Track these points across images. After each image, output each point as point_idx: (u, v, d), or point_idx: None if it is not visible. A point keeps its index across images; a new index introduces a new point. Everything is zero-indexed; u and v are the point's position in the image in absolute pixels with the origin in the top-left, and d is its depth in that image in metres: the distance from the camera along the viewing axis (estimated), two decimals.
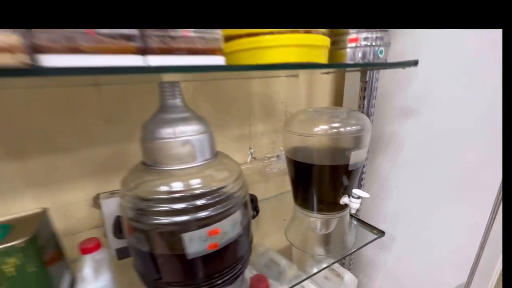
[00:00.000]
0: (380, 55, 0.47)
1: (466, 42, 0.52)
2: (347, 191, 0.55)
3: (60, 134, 0.50)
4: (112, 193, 0.55)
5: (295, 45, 0.36)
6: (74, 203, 0.55)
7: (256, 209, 0.68)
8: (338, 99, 0.87)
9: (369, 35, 0.46)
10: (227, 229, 0.36)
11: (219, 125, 0.68)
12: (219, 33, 0.29)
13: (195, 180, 0.36)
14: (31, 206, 0.50)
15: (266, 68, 0.33)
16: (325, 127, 0.51)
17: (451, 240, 0.62)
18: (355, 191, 0.52)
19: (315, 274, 0.62)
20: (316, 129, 0.51)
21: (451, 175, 0.59)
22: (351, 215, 0.73)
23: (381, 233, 0.66)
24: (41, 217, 0.34)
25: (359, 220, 0.74)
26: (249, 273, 0.59)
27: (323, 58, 0.41)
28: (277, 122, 0.78)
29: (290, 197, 0.66)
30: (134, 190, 0.37)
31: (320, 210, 0.58)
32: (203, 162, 0.38)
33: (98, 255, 0.36)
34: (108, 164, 0.56)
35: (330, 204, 0.57)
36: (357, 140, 0.51)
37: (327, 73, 0.77)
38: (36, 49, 0.21)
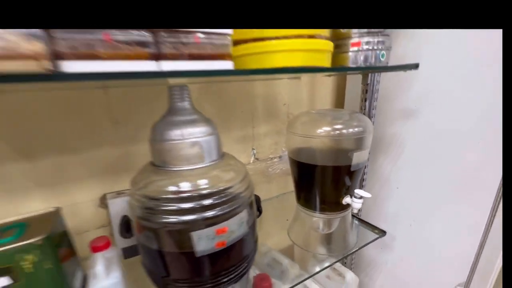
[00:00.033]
0: (382, 59, 0.48)
1: (466, 43, 0.53)
2: (349, 191, 0.56)
3: (69, 135, 0.51)
4: (119, 193, 0.56)
5: (300, 49, 0.38)
6: (81, 203, 0.56)
7: (259, 209, 0.69)
8: (339, 100, 0.88)
9: (371, 39, 0.47)
10: (234, 228, 0.38)
11: (223, 127, 0.69)
12: (228, 38, 0.30)
13: (203, 181, 0.37)
14: (40, 206, 0.51)
15: (272, 72, 0.35)
16: (328, 128, 0.52)
17: (451, 240, 0.64)
18: (357, 191, 0.53)
19: (317, 273, 0.63)
20: (319, 130, 0.52)
21: (451, 176, 0.60)
22: (352, 215, 0.74)
23: (382, 232, 0.67)
24: (55, 216, 0.36)
25: (360, 220, 0.75)
26: (252, 272, 0.60)
27: (326, 62, 0.42)
28: (279, 123, 0.79)
29: (292, 197, 0.67)
30: (144, 189, 0.38)
31: (322, 210, 0.59)
32: (210, 163, 0.39)
33: (108, 253, 0.38)
34: (114, 165, 0.57)
35: (333, 204, 0.58)
36: (359, 142, 0.52)
37: (329, 75, 0.79)
38: (58, 56, 0.22)
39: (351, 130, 0.51)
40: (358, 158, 0.52)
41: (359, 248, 0.64)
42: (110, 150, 0.56)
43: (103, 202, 0.58)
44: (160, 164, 0.38)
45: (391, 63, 0.53)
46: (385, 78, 0.66)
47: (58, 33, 0.22)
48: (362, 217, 0.77)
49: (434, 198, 0.64)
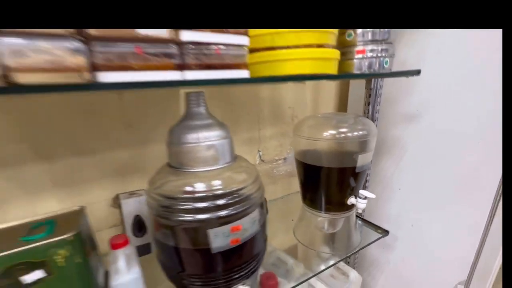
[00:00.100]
0: (385, 65, 0.51)
1: (466, 44, 0.54)
2: (354, 192, 0.58)
3: (84, 138, 0.53)
4: (131, 194, 0.58)
5: (309, 58, 0.40)
6: (94, 203, 0.58)
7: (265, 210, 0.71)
8: (342, 103, 0.91)
9: (375, 47, 0.49)
10: (247, 226, 0.40)
11: (231, 129, 0.71)
12: (245, 49, 0.32)
13: (217, 182, 0.39)
14: (56, 205, 0.53)
15: (284, 80, 0.37)
16: (333, 132, 0.54)
17: (452, 240, 0.65)
18: (362, 192, 0.55)
19: (322, 271, 0.65)
20: (325, 134, 0.54)
21: (452, 177, 0.62)
22: (356, 215, 0.76)
23: (385, 232, 0.69)
24: (81, 214, 0.38)
25: (363, 220, 0.77)
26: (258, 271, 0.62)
27: (333, 69, 0.44)
28: (284, 126, 0.81)
29: (296, 198, 0.68)
30: (160, 188, 0.40)
31: (327, 210, 0.61)
32: (224, 165, 0.41)
33: (127, 250, 0.40)
34: (126, 166, 0.59)
35: (338, 204, 0.60)
36: (363, 144, 0.54)
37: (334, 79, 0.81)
38: (95, 68, 0.25)
39: (356, 133, 0.54)
40: (362, 160, 0.54)
41: (363, 247, 0.66)
42: (123, 152, 0.58)
43: (115, 202, 0.60)
44: (176, 165, 0.41)
45: (394, 69, 0.55)
46: (388, 83, 0.69)
47: (97, 47, 0.24)
48: (365, 218, 0.79)
49: (435, 199, 0.66)
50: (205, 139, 0.39)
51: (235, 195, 0.40)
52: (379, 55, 0.50)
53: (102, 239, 0.53)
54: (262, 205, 0.45)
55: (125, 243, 0.40)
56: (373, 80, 0.65)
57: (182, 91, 0.62)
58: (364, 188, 0.78)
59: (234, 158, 0.44)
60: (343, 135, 0.53)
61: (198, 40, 0.28)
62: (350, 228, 0.65)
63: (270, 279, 0.57)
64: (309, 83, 0.82)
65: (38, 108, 0.48)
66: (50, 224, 0.33)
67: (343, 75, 0.51)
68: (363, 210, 0.77)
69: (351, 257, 0.87)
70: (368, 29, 0.48)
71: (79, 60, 0.23)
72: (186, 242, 0.40)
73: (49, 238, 0.29)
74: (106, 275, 0.39)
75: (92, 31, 0.23)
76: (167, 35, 0.27)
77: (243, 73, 0.33)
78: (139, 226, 0.58)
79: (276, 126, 0.80)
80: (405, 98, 0.67)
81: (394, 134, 0.71)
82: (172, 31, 0.27)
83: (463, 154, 0.59)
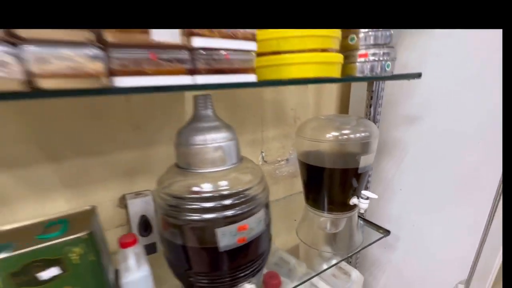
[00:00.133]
0: (387, 69, 0.52)
1: (466, 46, 0.55)
2: (356, 193, 0.59)
3: (92, 139, 0.54)
4: (137, 194, 0.59)
5: (314, 62, 0.41)
6: (101, 203, 0.59)
7: None
8: (344, 105, 0.92)
9: (377, 51, 0.50)
10: (253, 225, 0.41)
11: (235, 131, 0.72)
12: (253, 54, 0.34)
13: (224, 182, 0.40)
14: (64, 205, 0.55)
15: (290, 83, 0.38)
16: (336, 133, 0.55)
17: (452, 240, 0.67)
18: (364, 192, 0.56)
19: (324, 271, 0.66)
20: (328, 135, 0.55)
21: (452, 177, 0.63)
22: (358, 216, 0.77)
23: (386, 232, 0.70)
24: (92, 213, 0.39)
25: (365, 220, 0.78)
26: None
27: (337, 73, 0.46)
28: (287, 127, 0.82)
29: (298, 198, 0.69)
30: (168, 188, 0.41)
31: (330, 210, 0.62)
32: (231, 166, 0.42)
33: (136, 248, 0.41)
34: (132, 167, 0.60)
35: (340, 205, 0.61)
36: (365, 146, 0.56)
37: None
38: (112, 73, 0.26)
39: (358, 135, 0.55)
40: (365, 161, 0.55)
41: (365, 247, 0.67)
42: (129, 153, 0.59)
43: (122, 202, 0.61)
44: (184, 166, 0.42)
45: (396, 72, 0.56)
46: (389, 85, 0.70)
47: (114, 53, 0.25)
48: (366, 218, 0.80)
49: (435, 199, 0.68)
50: (213, 141, 0.40)
51: (241, 196, 0.41)
52: (381, 58, 0.51)
53: (109, 238, 0.54)
54: (267, 205, 0.46)
55: (134, 242, 0.41)
56: (374, 82, 0.67)
57: (188, 94, 0.63)
58: (366, 188, 0.79)
59: (240, 159, 0.45)
60: (345, 136, 0.55)
61: (209, 46, 0.30)
62: (352, 228, 0.66)
63: (273, 278, 0.58)
64: (311, 85, 0.83)
65: (47, 110, 0.49)
66: (63, 223, 0.34)
67: (346, 78, 0.52)
68: (365, 210, 0.78)
69: (353, 256, 0.88)
70: (371, 34, 0.49)
71: (98, 66, 0.24)
72: (194, 241, 0.41)
73: (64, 237, 0.30)
74: (116, 273, 0.40)
75: (110, 38, 0.25)
76: (179, 42, 0.28)
77: (251, 77, 0.34)
78: (145, 226, 0.59)
79: (278, 127, 0.81)
80: (406, 100, 0.68)
81: (395, 136, 0.72)
82: (184, 38, 0.28)
83: (463, 154, 0.60)
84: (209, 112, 0.42)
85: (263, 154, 0.80)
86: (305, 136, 0.59)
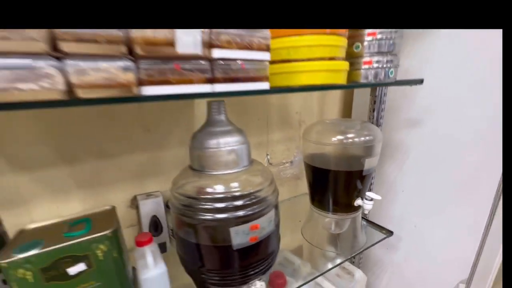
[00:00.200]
0: (390, 75, 0.54)
1: (466, 47, 0.57)
2: (361, 194, 0.61)
3: (105, 142, 0.56)
4: (148, 195, 0.61)
5: (322, 70, 0.43)
6: (113, 204, 0.60)
7: None
8: (347, 109, 0.94)
9: (380, 58, 0.53)
10: (264, 225, 0.43)
11: None
12: (266, 64, 0.36)
13: (236, 184, 0.42)
14: (78, 206, 0.56)
15: (300, 90, 0.40)
16: (341, 137, 0.57)
17: (453, 240, 0.68)
18: (369, 193, 0.58)
19: (328, 271, 0.68)
20: (333, 139, 0.57)
21: (453, 178, 0.65)
22: (361, 216, 0.79)
23: (389, 233, 0.72)
24: (113, 213, 0.41)
25: (368, 221, 0.80)
26: None
27: (343, 79, 0.48)
28: (291, 130, 0.84)
29: (303, 200, 0.71)
30: (182, 189, 0.43)
31: (335, 211, 0.64)
32: (242, 169, 0.44)
33: (152, 247, 0.43)
34: (144, 169, 0.62)
35: (345, 206, 0.63)
36: (369, 149, 0.58)
37: None
38: (140, 82, 0.28)
39: (362, 138, 0.57)
40: (369, 163, 0.57)
41: (368, 247, 0.69)
42: (141, 155, 0.61)
43: (133, 203, 0.63)
44: (198, 168, 0.44)
45: (398, 77, 0.58)
46: (392, 90, 0.72)
47: (142, 65, 0.27)
48: (369, 219, 0.82)
49: (436, 200, 0.70)
50: (226, 145, 0.42)
51: (252, 197, 0.43)
52: (385, 65, 0.53)
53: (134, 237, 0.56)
54: (277, 206, 0.48)
55: (150, 240, 0.43)
56: (378, 88, 0.69)
57: (198, 99, 0.65)
58: (369, 190, 0.81)
59: (251, 162, 0.47)
60: (350, 140, 0.57)
61: (227, 56, 0.32)
62: (356, 228, 0.68)
63: (279, 278, 0.60)
64: None
65: (63, 114, 0.51)
66: (86, 222, 0.36)
67: (352, 85, 0.55)
68: (369, 211, 0.80)
69: (356, 257, 0.89)
70: (375, 42, 0.52)
71: (129, 77, 0.26)
72: (207, 239, 0.43)
73: (90, 235, 0.32)
74: (133, 270, 0.42)
75: (140, 51, 0.27)
76: (201, 53, 0.30)
77: (264, 85, 0.36)
78: (155, 226, 0.61)
79: (283, 130, 0.83)
80: (408, 105, 0.70)
81: (397, 139, 0.75)
82: (205, 49, 0.30)
83: (463, 154, 0.62)
84: (222, 117, 0.44)
85: (269, 156, 0.82)
86: (311, 139, 0.61)
